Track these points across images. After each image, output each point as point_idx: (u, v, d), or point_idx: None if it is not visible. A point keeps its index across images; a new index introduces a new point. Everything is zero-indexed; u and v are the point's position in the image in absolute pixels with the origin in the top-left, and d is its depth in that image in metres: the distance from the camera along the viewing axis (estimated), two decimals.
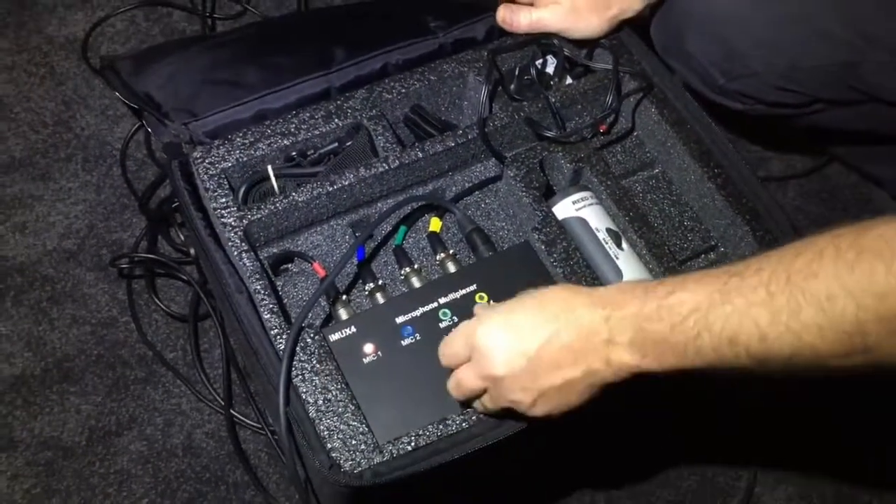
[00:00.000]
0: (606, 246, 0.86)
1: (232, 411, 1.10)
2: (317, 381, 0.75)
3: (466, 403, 0.75)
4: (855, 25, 0.95)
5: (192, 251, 1.04)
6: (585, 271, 0.83)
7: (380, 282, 0.85)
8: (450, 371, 0.73)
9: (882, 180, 1.31)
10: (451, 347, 0.72)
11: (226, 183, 0.85)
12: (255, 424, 1.10)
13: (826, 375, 0.58)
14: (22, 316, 1.14)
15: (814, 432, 1.22)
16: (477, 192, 0.92)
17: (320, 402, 0.74)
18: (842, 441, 1.20)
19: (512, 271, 0.84)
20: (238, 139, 0.86)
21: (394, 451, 0.72)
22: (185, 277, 1.14)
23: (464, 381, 0.71)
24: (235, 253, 0.81)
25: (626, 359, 0.64)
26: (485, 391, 0.71)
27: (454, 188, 0.92)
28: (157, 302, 1.15)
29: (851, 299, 0.54)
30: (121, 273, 1.17)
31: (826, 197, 1.40)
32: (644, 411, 1.13)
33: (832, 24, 0.96)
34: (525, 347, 0.66)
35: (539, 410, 0.69)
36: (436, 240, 0.88)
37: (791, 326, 0.56)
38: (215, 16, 1.40)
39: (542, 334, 0.66)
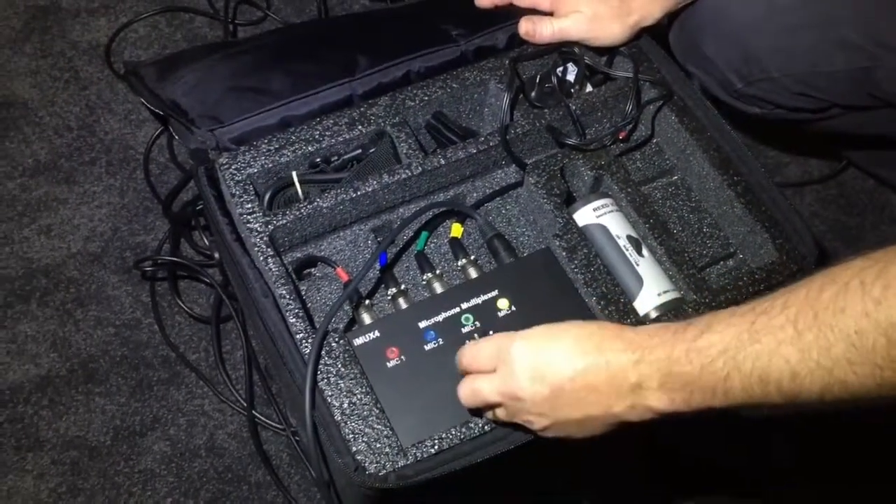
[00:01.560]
0: (627, 252, 0.86)
1: (254, 412, 1.11)
2: (342, 385, 0.76)
3: (475, 411, 0.76)
4: (870, 32, 0.96)
5: (216, 255, 1.05)
6: (606, 277, 0.84)
7: (402, 287, 0.86)
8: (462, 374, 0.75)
9: None
10: (477, 355, 0.72)
11: (251, 189, 0.86)
12: (276, 425, 1.12)
13: (857, 408, 0.58)
14: (47, 317, 1.16)
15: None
16: (498, 199, 0.93)
17: (345, 405, 0.75)
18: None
19: (533, 277, 0.85)
20: (263, 145, 0.88)
21: (418, 454, 0.73)
22: (207, 280, 1.15)
23: (482, 391, 0.72)
24: (261, 258, 0.82)
25: (653, 403, 0.65)
26: (500, 405, 0.72)
27: (475, 194, 0.93)
28: (180, 304, 1.17)
29: (881, 333, 0.54)
30: (144, 275, 1.19)
31: (843, 203, 1.40)
32: None
33: (847, 30, 0.97)
34: (552, 377, 0.67)
35: (551, 434, 0.71)
36: (457, 245, 0.89)
37: (822, 363, 0.56)
38: (237, 21, 1.41)
39: (571, 368, 0.66)
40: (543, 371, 0.67)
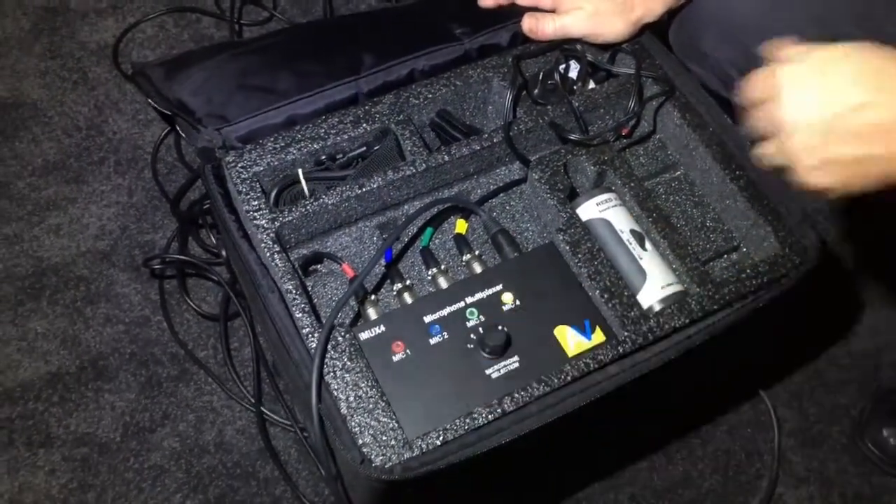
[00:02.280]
0: (630, 246, 0.87)
1: (262, 409, 1.13)
2: (348, 379, 0.77)
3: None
4: (870, 27, 0.96)
5: (223, 253, 1.06)
6: (610, 271, 0.85)
7: (407, 282, 0.87)
8: None
9: None
10: (753, 84, 0.68)
11: (258, 186, 0.87)
12: (284, 421, 1.13)
13: None
14: (57, 315, 1.17)
15: (836, 430, 1.23)
16: (502, 195, 0.94)
17: (351, 398, 0.76)
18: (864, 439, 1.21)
19: (537, 272, 0.85)
20: (269, 144, 0.89)
21: (423, 446, 0.74)
22: (215, 278, 1.17)
23: (756, 119, 0.68)
24: (267, 254, 0.83)
25: None
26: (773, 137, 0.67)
27: (479, 191, 0.93)
28: (189, 301, 1.18)
29: None
30: (153, 273, 1.20)
31: (846, 200, 1.41)
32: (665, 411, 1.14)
33: (848, 26, 0.97)
34: (829, 105, 0.62)
35: (817, 180, 0.66)
36: (462, 241, 0.90)
37: None
38: (242, 22, 1.42)
39: (853, 100, 0.61)
40: (820, 96, 0.62)
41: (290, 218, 0.85)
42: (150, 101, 0.98)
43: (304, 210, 0.85)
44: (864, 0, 0.96)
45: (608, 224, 0.88)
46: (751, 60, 1.04)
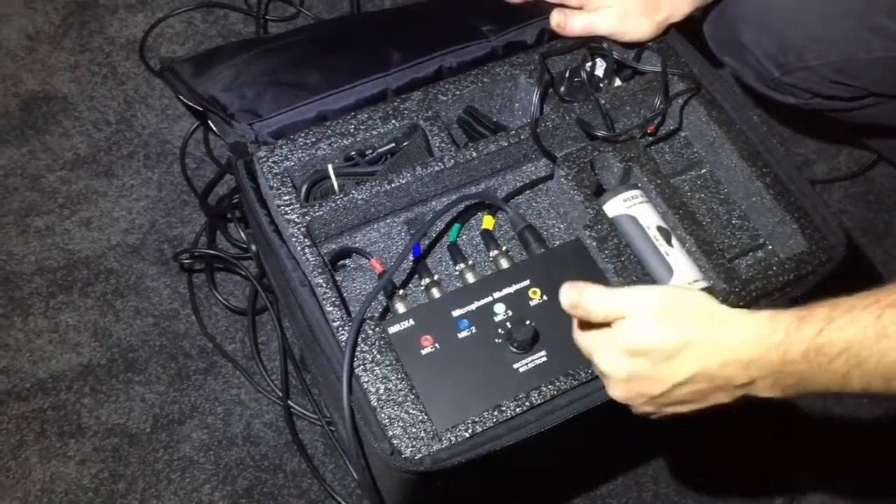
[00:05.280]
0: (657, 243, 0.88)
1: (289, 402, 1.14)
2: (378, 372, 0.78)
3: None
4: None
5: (253, 247, 1.08)
6: (636, 267, 0.85)
7: (435, 277, 0.88)
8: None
9: None
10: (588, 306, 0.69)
11: (289, 181, 0.88)
12: (311, 415, 1.14)
13: None
14: (88, 307, 1.19)
15: (853, 455, 1.23)
16: (528, 192, 0.95)
17: (381, 391, 0.77)
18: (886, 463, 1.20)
19: (564, 267, 0.86)
20: (300, 139, 0.90)
21: (452, 439, 0.75)
22: (243, 272, 1.18)
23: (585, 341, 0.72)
24: (298, 248, 0.84)
25: (763, 394, 0.65)
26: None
27: (506, 187, 0.94)
28: (217, 296, 1.19)
29: None
30: (182, 267, 1.22)
31: (871, 199, 1.41)
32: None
33: (882, 17, 0.97)
34: (658, 374, 0.67)
35: (639, 408, 0.73)
36: (489, 237, 0.90)
37: None
38: (269, 18, 1.44)
39: (679, 373, 0.66)
40: (649, 369, 0.67)
41: (321, 213, 0.86)
42: (179, 96, 0.99)
43: (334, 205, 0.86)
44: None
45: (634, 220, 0.89)
46: (788, 51, 1.04)
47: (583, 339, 0.72)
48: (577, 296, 0.69)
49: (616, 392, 0.71)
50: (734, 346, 0.64)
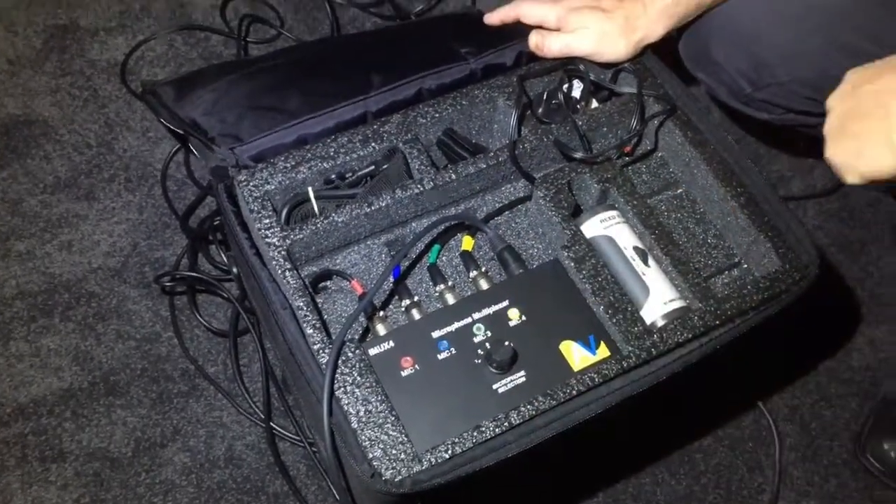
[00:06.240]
0: (633, 263, 0.89)
1: (271, 424, 1.14)
2: (358, 394, 0.78)
3: None
4: (876, 37, 0.98)
5: (234, 269, 1.08)
6: (613, 287, 0.86)
7: (415, 298, 0.88)
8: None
9: None
10: None
11: (269, 204, 0.89)
12: (293, 436, 1.14)
13: None
14: (69, 331, 1.19)
15: (837, 444, 1.24)
16: (507, 212, 0.96)
17: (361, 413, 0.78)
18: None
19: (543, 288, 0.87)
20: (280, 163, 0.90)
21: (432, 460, 0.75)
22: (225, 294, 1.18)
23: None
24: (279, 271, 0.85)
25: None
26: None
27: (485, 208, 0.95)
28: (199, 318, 1.20)
29: None
30: (163, 290, 1.22)
31: (845, 216, 1.43)
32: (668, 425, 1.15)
33: (850, 35, 0.99)
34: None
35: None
36: (468, 258, 0.91)
37: None
38: (250, 40, 1.45)
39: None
40: None
41: (301, 236, 0.87)
42: (161, 120, 0.99)
43: (314, 228, 0.87)
44: (872, 11, 0.98)
45: (612, 241, 0.90)
46: (759, 68, 1.06)
47: None
48: None
49: None
50: None
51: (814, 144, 1.34)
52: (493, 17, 1.07)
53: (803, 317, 1.11)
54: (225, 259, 1.20)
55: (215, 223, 1.19)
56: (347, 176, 0.93)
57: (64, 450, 1.12)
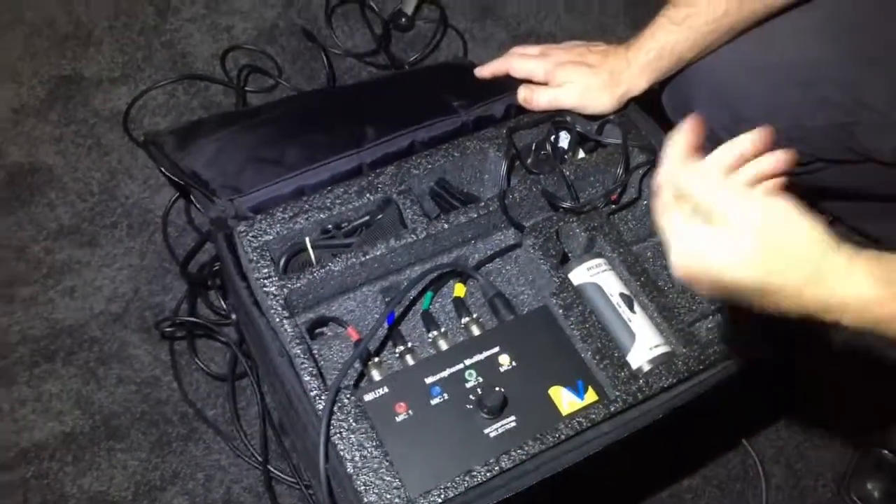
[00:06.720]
0: (620, 309, 0.92)
1: (269, 467, 1.16)
2: (353, 439, 0.81)
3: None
4: (850, 91, 1.01)
5: (233, 316, 1.11)
6: (601, 333, 0.89)
7: (409, 344, 0.91)
8: None
9: (881, 238, 1.37)
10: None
11: (267, 254, 0.92)
12: (290, 479, 1.16)
13: None
14: (71, 375, 1.21)
15: (822, 484, 1.26)
16: (498, 260, 0.99)
17: (357, 458, 0.80)
18: None
19: (532, 334, 0.90)
20: (279, 214, 0.94)
21: None
22: (223, 339, 1.21)
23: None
24: (277, 319, 0.88)
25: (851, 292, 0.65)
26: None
27: (476, 256, 0.98)
28: (198, 362, 1.22)
29: None
30: (163, 335, 1.24)
31: None
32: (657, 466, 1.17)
33: (828, 89, 1.02)
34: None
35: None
36: (460, 304, 0.94)
37: None
38: (249, 89, 1.48)
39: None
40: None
41: (299, 284, 0.89)
42: (162, 170, 1.02)
43: (311, 277, 0.90)
44: (845, 66, 1.02)
45: (599, 288, 0.93)
46: (738, 121, 1.09)
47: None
48: None
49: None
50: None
51: (792, 191, 1.38)
52: (484, 71, 1.11)
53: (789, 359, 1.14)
54: (223, 304, 1.23)
55: (214, 269, 1.22)
56: (343, 226, 0.96)
57: (65, 493, 1.14)
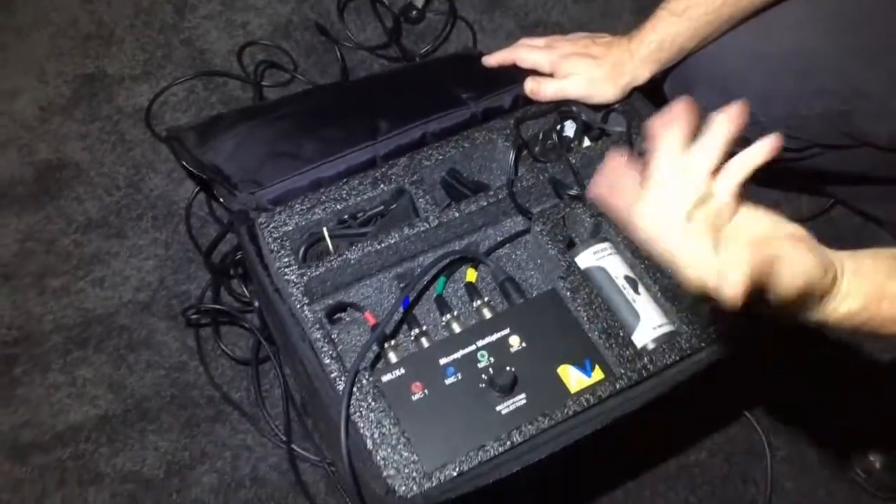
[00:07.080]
0: (625, 291, 0.96)
1: (292, 446, 1.21)
2: (372, 418, 0.86)
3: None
4: (845, 79, 1.04)
5: (256, 303, 1.15)
6: (607, 314, 0.93)
7: (424, 328, 0.95)
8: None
9: (882, 220, 1.39)
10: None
11: (287, 244, 0.96)
12: (313, 457, 1.21)
13: None
14: (103, 362, 1.27)
15: (826, 456, 1.29)
16: (507, 245, 1.02)
17: (376, 435, 0.85)
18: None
19: (541, 316, 0.94)
20: (297, 205, 0.98)
21: (441, 477, 0.82)
22: (246, 325, 1.26)
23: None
24: (298, 306, 0.92)
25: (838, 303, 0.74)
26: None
27: (487, 242, 1.02)
28: (223, 348, 1.27)
29: None
30: (189, 322, 1.29)
31: (831, 240, 1.47)
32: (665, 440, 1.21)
33: (825, 79, 1.05)
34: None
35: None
36: (472, 289, 0.98)
37: None
38: (265, 84, 1.52)
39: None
40: None
41: (318, 272, 0.94)
42: (184, 164, 1.06)
43: (329, 265, 0.94)
44: (842, 56, 1.05)
45: (604, 271, 0.97)
46: None
47: None
48: None
49: None
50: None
51: (796, 177, 1.41)
52: (492, 60, 1.15)
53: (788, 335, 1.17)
54: (245, 291, 1.28)
55: (236, 258, 1.27)
56: (359, 216, 1.00)
57: (101, 473, 1.19)
